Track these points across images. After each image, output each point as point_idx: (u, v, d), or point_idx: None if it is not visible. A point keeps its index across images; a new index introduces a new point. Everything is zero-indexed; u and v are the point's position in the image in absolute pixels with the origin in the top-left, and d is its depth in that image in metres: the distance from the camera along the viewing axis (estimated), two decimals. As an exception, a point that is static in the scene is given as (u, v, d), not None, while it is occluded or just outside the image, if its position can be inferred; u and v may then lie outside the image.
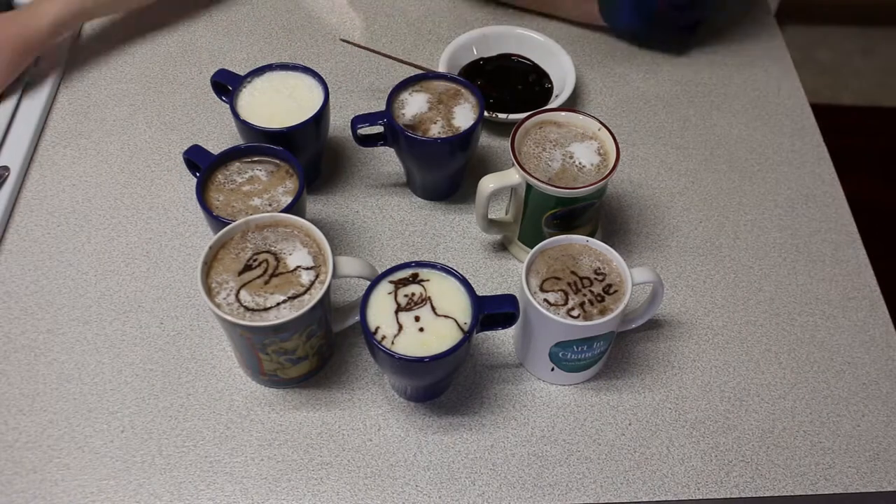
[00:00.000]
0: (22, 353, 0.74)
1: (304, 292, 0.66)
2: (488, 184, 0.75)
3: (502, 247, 0.83)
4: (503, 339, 0.77)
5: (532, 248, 0.72)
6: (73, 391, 0.72)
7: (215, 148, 0.78)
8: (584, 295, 0.68)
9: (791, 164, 0.91)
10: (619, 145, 0.76)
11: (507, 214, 0.82)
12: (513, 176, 0.74)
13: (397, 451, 0.70)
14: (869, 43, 2.23)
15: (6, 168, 0.85)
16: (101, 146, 0.90)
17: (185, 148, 0.78)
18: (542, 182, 0.72)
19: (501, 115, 0.89)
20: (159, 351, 0.75)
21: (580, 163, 0.75)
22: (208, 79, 0.84)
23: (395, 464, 0.69)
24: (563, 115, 0.78)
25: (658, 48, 1.00)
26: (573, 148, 0.76)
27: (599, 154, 0.76)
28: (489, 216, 0.79)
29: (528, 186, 0.73)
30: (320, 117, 0.80)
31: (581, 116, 0.77)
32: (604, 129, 0.76)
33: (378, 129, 0.80)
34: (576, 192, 0.72)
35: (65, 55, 0.97)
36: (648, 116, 0.95)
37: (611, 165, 0.74)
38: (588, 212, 0.76)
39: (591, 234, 0.79)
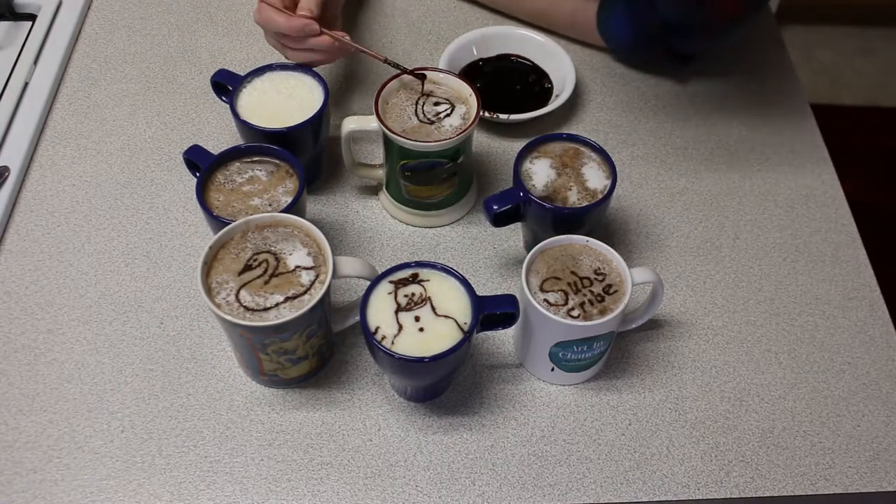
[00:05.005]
0: (22, 353, 0.74)
1: (304, 292, 0.66)
2: (349, 124, 0.79)
3: (503, 247, 0.83)
4: (503, 339, 0.77)
5: (396, 198, 0.80)
6: (73, 391, 0.72)
7: (215, 148, 0.78)
8: (584, 295, 0.68)
9: (791, 164, 0.91)
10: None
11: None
12: (372, 121, 0.77)
13: (397, 451, 0.70)
14: (869, 43, 2.23)
15: (6, 168, 0.85)
16: (101, 146, 0.90)
17: (185, 148, 0.78)
18: (392, 132, 0.75)
19: (502, 116, 0.89)
20: (159, 351, 0.75)
21: (441, 122, 0.78)
22: (208, 79, 0.84)
23: (395, 464, 0.69)
24: (441, 76, 0.81)
25: (653, 71, 1.00)
26: (440, 108, 0.79)
27: (463, 118, 0.78)
28: (358, 160, 0.85)
29: (385, 134, 0.76)
30: (320, 117, 0.80)
31: (457, 80, 0.80)
32: (474, 95, 0.78)
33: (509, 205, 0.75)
34: (414, 145, 0.75)
35: (65, 55, 0.97)
36: (648, 116, 0.95)
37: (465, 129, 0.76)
38: (438, 171, 0.78)
39: (454, 200, 0.83)
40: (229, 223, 0.69)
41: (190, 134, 0.91)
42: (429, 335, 0.64)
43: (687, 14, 0.88)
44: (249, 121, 0.78)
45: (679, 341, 0.77)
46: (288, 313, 0.64)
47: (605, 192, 0.75)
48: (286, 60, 0.85)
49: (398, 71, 0.80)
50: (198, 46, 1.00)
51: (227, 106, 0.81)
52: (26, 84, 0.93)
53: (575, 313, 0.67)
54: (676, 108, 0.96)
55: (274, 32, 0.81)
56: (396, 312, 0.66)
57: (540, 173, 0.76)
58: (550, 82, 0.95)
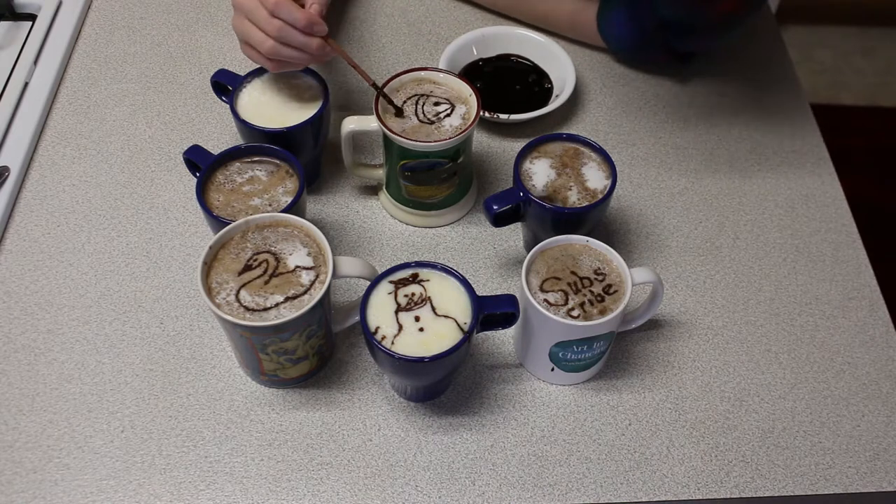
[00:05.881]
0: (22, 353, 0.74)
1: (304, 292, 0.66)
2: (349, 124, 0.79)
3: (503, 247, 0.83)
4: (503, 339, 0.77)
5: (396, 198, 0.81)
6: (73, 391, 0.72)
7: (215, 148, 0.78)
8: (584, 295, 0.68)
9: (791, 164, 0.91)
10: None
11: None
12: (372, 121, 0.77)
13: (397, 451, 0.70)
14: (869, 43, 2.23)
15: (6, 168, 0.85)
16: (101, 146, 0.90)
17: (185, 148, 0.78)
18: (392, 132, 0.75)
19: (502, 116, 0.89)
20: (159, 351, 0.75)
21: (441, 122, 0.78)
22: (208, 79, 0.84)
23: (395, 464, 0.69)
24: (441, 76, 0.81)
25: (653, 71, 1.00)
26: (440, 108, 0.78)
27: (463, 118, 0.78)
28: (360, 160, 0.85)
29: (385, 134, 0.76)
30: (320, 117, 0.80)
31: (457, 80, 0.80)
32: (474, 95, 0.78)
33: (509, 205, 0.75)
34: (414, 145, 0.75)
35: (65, 55, 0.97)
36: (648, 116, 0.95)
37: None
38: (438, 171, 0.78)
39: (454, 200, 0.83)
40: (229, 223, 0.69)
41: (190, 134, 0.91)
42: (429, 335, 0.64)
43: (686, 14, 0.88)
44: (249, 121, 0.78)
45: (679, 341, 0.77)
46: (288, 313, 0.64)
47: (605, 192, 0.75)
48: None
49: (375, 91, 0.78)
50: (198, 46, 1.00)
51: (227, 106, 0.81)
52: (26, 84, 0.93)
53: (575, 313, 0.67)
54: (676, 108, 0.96)
55: (266, 19, 0.73)
56: (396, 312, 0.66)
57: (540, 173, 0.76)
58: (550, 82, 0.95)
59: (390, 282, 0.67)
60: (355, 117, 0.79)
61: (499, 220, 0.76)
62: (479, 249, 0.83)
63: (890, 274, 0.97)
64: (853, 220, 0.86)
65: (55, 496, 0.66)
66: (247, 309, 0.65)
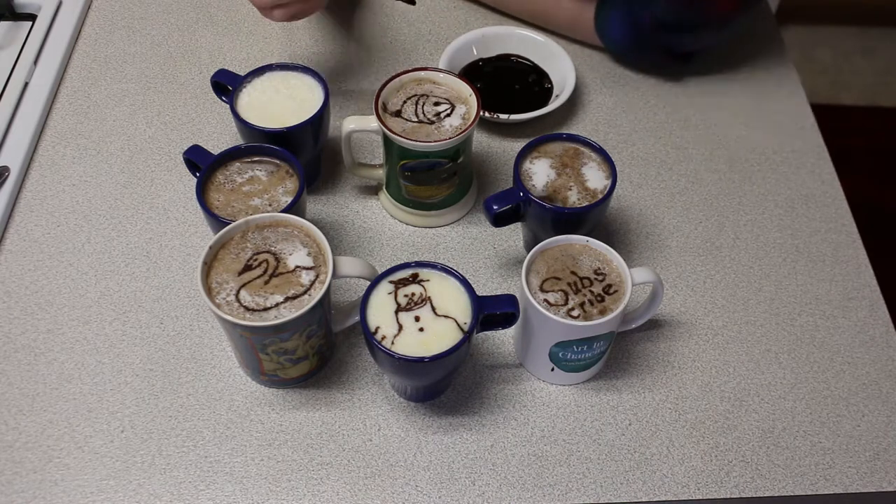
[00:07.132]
0: (22, 353, 0.74)
1: (304, 292, 0.66)
2: (349, 124, 0.79)
3: (503, 247, 0.83)
4: (503, 339, 0.77)
5: (396, 198, 0.81)
6: (73, 391, 0.72)
7: (215, 148, 0.78)
8: (584, 295, 0.68)
9: (791, 164, 0.91)
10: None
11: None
12: (372, 121, 0.77)
13: (397, 451, 0.70)
14: (869, 43, 2.23)
15: (6, 168, 0.85)
16: (101, 146, 0.90)
17: (185, 148, 0.78)
18: (392, 132, 0.75)
19: (503, 116, 0.89)
20: (159, 351, 0.75)
21: (441, 122, 0.78)
22: (208, 79, 0.84)
23: (395, 464, 0.69)
24: (441, 76, 0.81)
25: (653, 71, 0.99)
26: (440, 108, 0.79)
27: (463, 118, 0.78)
28: (359, 160, 0.85)
29: (385, 134, 0.76)
30: (320, 117, 0.80)
31: (457, 80, 0.80)
32: (474, 95, 0.78)
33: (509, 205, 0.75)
34: (414, 145, 0.75)
35: (65, 55, 0.97)
36: (648, 116, 0.95)
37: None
38: (438, 171, 0.78)
39: (454, 200, 0.83)
40: (229, 223, 0.69)
41: (190, 134, 0.91)
42: (429, 335, 0.64)
43: (683, 14, 0.88)
44: (249, 121, 0.78)
45: (679, 341, 0.77)
46: (288, 313, 0.64)
47: (605, 192, 0.75)
48: (286, 60, 0.85)
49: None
50: (198, 46, 1.00)
51: (227, 106, 0.82)
52: (26, 84, 0.93)
53: (575, 313, 0.67)
54: (676, 108, 0.96)
55: None
56: (396, 312, 0.66)
57: (540, 173, 0.76)
58: (550, 82, 0.95)
59: (390, 282, 0.67)
60: (355, 117, 0.79)
61: (499, 220, 0.76)
62: (479, 249, 0.83)
63: (890, 274, 0.97)
64: (853, 220, 0.87)
65: (55, 496, 0.66)
66: (247, 309, 0.65)
